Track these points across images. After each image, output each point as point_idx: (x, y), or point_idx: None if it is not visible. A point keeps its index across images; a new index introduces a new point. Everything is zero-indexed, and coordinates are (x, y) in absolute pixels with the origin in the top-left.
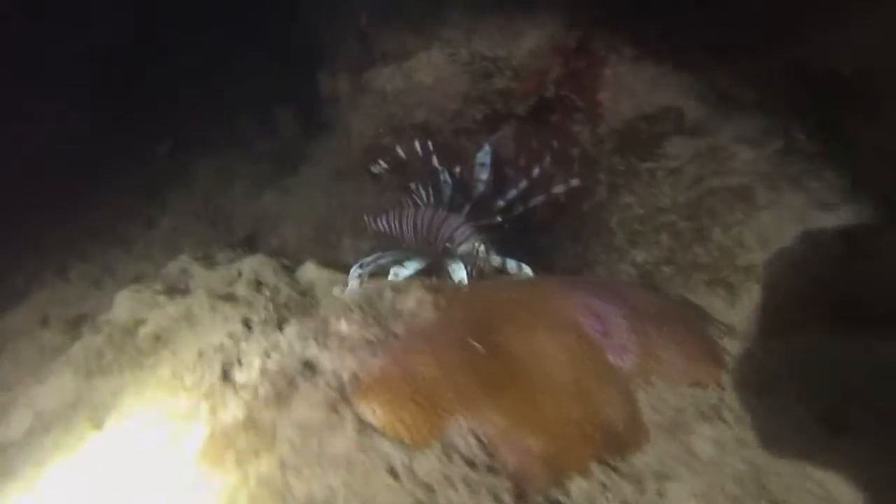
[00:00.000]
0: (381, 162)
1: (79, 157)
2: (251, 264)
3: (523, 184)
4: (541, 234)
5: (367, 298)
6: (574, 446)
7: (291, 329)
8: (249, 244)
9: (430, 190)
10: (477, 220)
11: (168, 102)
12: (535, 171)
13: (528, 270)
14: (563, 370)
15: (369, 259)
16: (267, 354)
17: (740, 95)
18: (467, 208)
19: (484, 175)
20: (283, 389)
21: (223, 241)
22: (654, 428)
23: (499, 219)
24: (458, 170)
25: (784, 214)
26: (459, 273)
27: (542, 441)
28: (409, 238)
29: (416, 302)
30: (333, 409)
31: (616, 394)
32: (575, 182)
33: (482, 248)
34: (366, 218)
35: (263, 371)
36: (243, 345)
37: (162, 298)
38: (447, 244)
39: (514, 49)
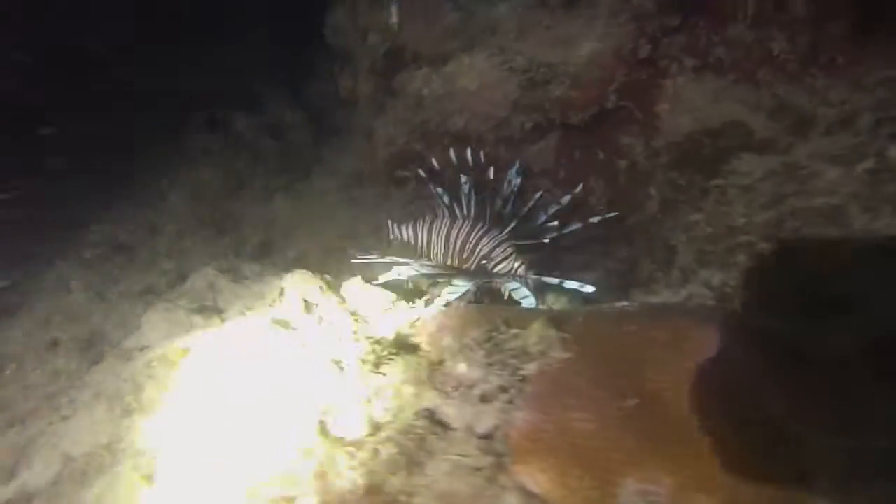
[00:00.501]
0: (435, 162)
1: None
2: (294, 281)
3: (553, 209)
4: (568, 250)
5: (486, 334)
6: None
7: (396, 371)
8: (264, 253)
9: (471, 202)
10: (517, 240)
11: (169, 101)
12: (566, 199)
13: (589, 289)
14: (722, 419)
15: (403, 261)
16: (370, 403)
17: (816, 113)
18: (512, 225)
19: (510, 192)
20: (411, 450)
21: (235, 248)
22: (826, 479)
23: (545, 240)
24: (511, 182)
25: (885, 238)
26: (524, 295)
27: (714, 502)
28: (437, 251)
29: (539, 338)
30: (488, 476)
31: (779, 443)
32: (612, 214)
33: (522, 268)
34: (389, 223)
35: (374, 425)
36: (337, 390)
37: (198, 320)
38: (483, 261)
39: (570, 56)
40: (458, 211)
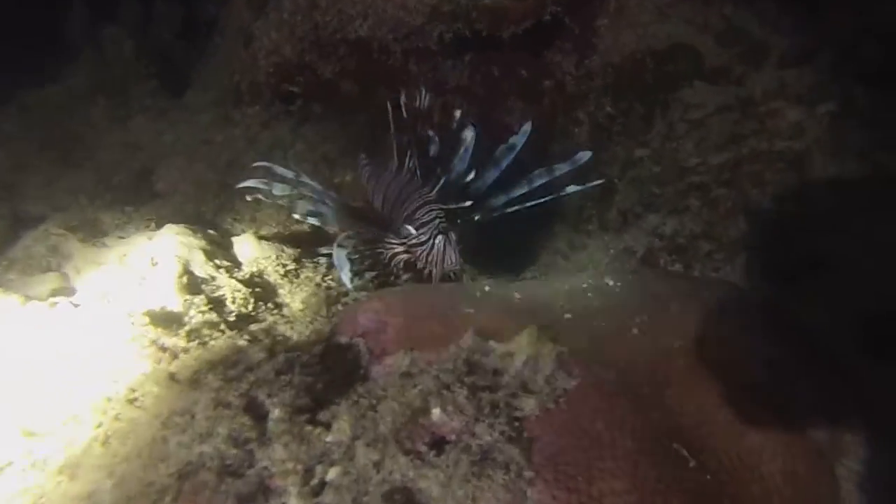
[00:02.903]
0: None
1: None
2: (169, 245)
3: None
4: None
5: (465, 360)
6: None
7: (340, 426)
8: (126, 192)
9: (415, 153)
10: (447, 203)
11: None
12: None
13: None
14: (780, 464)
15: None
16: (313, 475)
17: (768, 41)
18: (441, 184)
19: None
20: None
21: (89, 187)
22: None
23: (468, 203)
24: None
25: (850, 191)
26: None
27: None
28: (378, 202)
29: (534, 360)
30: None
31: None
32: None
33: (439, 238)
34: (362, 157)
35: None
36: (261, 458)
37: (37, 308)
38: (404, 224)
39: None
40: (406, 162)
